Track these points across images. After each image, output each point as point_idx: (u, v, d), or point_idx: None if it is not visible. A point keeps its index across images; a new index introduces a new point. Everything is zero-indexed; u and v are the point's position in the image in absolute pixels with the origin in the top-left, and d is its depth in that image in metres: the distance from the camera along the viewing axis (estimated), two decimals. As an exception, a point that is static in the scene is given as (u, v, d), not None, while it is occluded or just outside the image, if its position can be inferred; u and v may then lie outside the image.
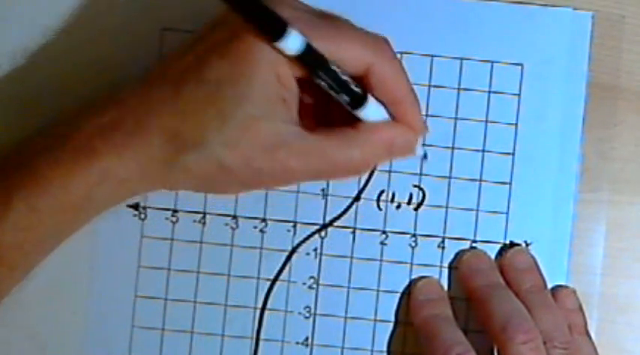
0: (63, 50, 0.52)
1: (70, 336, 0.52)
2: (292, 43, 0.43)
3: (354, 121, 0.47)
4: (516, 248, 0.52)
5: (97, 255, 0.52)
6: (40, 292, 0.52)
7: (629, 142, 0.53)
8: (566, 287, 0.52)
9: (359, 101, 0.46)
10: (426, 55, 0.52)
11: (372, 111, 0.46)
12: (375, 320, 0.52)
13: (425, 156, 0.52)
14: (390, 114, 0.47)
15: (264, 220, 0.52)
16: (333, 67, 0.45)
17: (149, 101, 0.45)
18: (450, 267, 0.52)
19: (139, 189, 0.47)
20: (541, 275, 0.51)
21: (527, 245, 0.52)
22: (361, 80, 0.46)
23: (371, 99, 0.46)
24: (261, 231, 0.52)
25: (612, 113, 0.53)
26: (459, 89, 0.52)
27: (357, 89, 0.46)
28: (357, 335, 0.52)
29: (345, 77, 0.45)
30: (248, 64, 0.44)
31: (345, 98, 0.46)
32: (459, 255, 0.52)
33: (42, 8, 0.53)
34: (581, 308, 0.51)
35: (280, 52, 0.44)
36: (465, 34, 0.52)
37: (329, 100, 0.46)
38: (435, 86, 0.52)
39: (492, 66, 0.52)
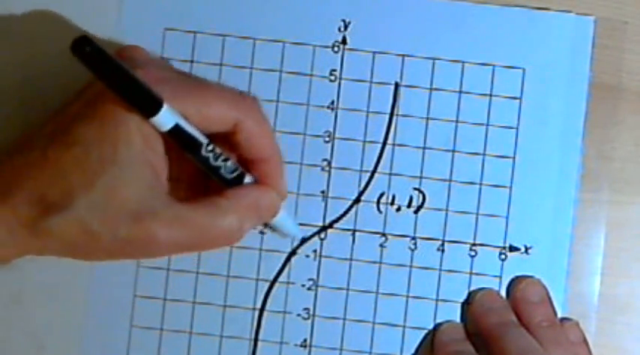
0: (64, 49, 0.52)
1: (68, 335, 0.52)
2: (164, 119, 0.43)
3: (222, 189, 0.47)
4: (529, 279, 0.52)
5: (96, 254, 0.52)
6: (39, 291, 0.52)
7: (629, 142, 0.53)
8: (569, 319, 0.52)
9: (232, 182, 0.47)
10: (427, 58, 0.52)
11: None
12: (374, 322, 0.52)
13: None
14: (254, 174, 0.48)
15: (263, 221, 0.53)
16: (205, 154, 0.45)
17: (18, 165, 0.44)
18: (464, 304, 0.52)
19: (8, 255, 0.46)
20: (553, 307, 0.51)
21: (526, 249, 0.52)
22: (229, 137, 0.46)
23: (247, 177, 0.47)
24: (261, 232, 0.52)
25: (612, 113, 0.53)
26: (460, 92, 0.52)
27: (228, 175, 0.47)
28: (356, 337, 0.52)
29: (217, 162, 0.46)
30: (114, 126, 0.43)
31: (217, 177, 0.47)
32: (471, 294, 0.52)
33: (43, 7, 0.53)
34: (585, 341, 0.51)
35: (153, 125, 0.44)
36: (466, 37, 0.52)
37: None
38: (436, 89, 0.52)
39: (494, 69, 0.52)
